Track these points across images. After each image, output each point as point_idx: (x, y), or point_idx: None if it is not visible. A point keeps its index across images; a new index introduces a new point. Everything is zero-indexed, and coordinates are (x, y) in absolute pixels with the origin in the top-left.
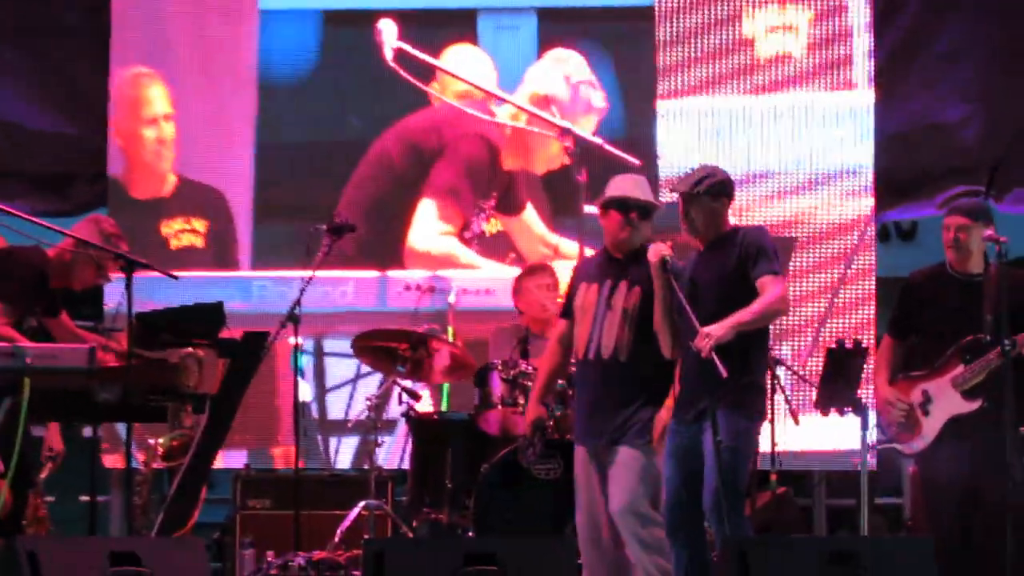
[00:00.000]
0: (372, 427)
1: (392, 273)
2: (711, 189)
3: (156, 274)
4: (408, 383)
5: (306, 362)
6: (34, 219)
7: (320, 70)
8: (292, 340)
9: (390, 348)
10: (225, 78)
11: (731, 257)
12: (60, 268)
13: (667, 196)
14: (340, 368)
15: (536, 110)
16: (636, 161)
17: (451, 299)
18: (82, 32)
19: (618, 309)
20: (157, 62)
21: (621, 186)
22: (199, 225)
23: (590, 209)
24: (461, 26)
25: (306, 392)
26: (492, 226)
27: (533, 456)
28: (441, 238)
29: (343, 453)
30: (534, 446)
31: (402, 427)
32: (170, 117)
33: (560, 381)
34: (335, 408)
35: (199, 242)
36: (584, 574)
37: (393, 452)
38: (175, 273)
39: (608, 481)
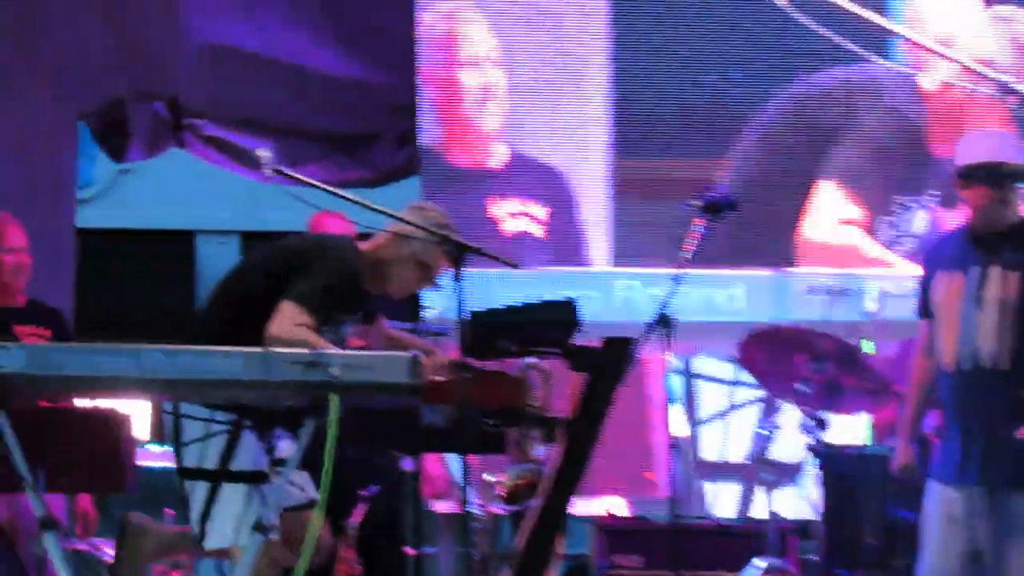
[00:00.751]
0: (766, 465)
1: (795, 271)
2: None
3: (485, 268)
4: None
5: (678, 383)
6: (341, 193)
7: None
8: (663, 354)
9: (785, 364)
10: (568, 17)
11: None
12: (376, 267)
13: None
14: (716, 394)
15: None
16: None
17: (871, 306)
18: None
19: (993, 302)
20: None
21: (987, 148)
22: (538, 211)
23: None
24: None
25: (679, 421)
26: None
27: None
28: (841, 228)
29: (723, 499)
30: None
31: (807, 465)
32: (496, 62)
33: None
34: (710, 442)
35: (538, 231)
36: None
37: (795, 497)
38: (515, 263)
39: (1011, 546)
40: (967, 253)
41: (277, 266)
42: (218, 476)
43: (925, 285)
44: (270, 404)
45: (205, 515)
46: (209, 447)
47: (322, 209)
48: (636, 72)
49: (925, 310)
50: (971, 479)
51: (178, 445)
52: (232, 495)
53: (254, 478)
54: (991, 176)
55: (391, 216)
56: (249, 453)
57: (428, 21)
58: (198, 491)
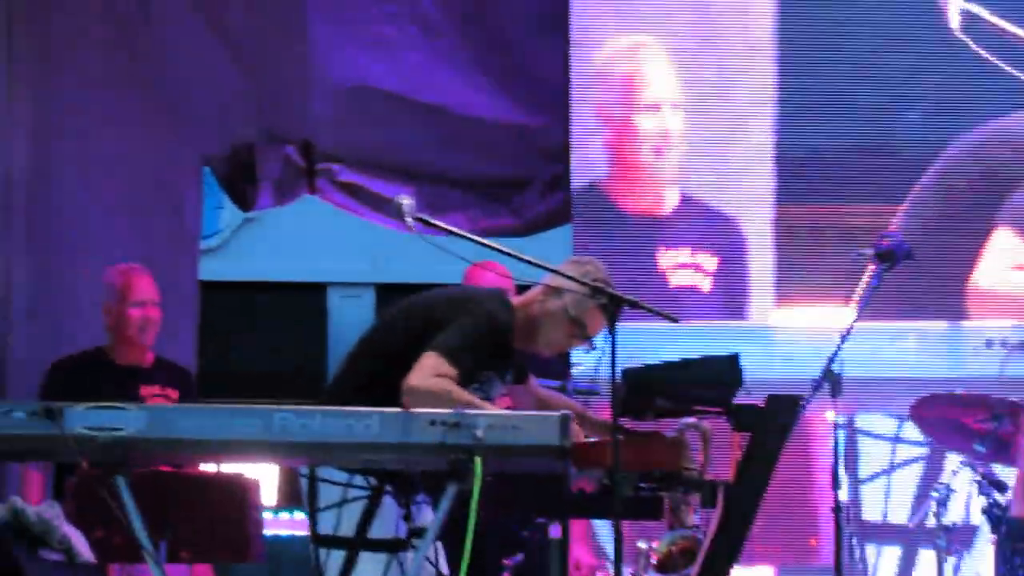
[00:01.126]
0: (938, 529)
1: (968, 323)
2: None
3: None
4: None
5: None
6: (488, 243)
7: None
8: (830, 415)
9: (960, 422)
10: (733, 55)
11: None
12: (526, 324)
13: None
14: (879, 451)
15: None
16: None
17: None
18: None
19: None
20: (650, 27)
21: None
22: (706, 262)
23: None
24: None
25: (843, 482)
26: None
27: None
28: (1015, 274)
29: (886, 563)
30: None
31: (983, 531)
32: (678, 105)
33: None
34: (872, 503)
35: (705, 284)
36: None
37: (968, 567)
38: (675, 317)
39: None
40: None
41: (418, 319)
42: (355, 544)
43: None
44: (410, 468)
45: None
46: (345, 513)
47: (469, 261)
48: (802, 114)
49: None
50: None
51: (313, 511)
52: (369, 565)
53: (393, 546)
54: None
55: (542, 268)
56: (389, 520)
57: (603, 58)
58: (333, 560)
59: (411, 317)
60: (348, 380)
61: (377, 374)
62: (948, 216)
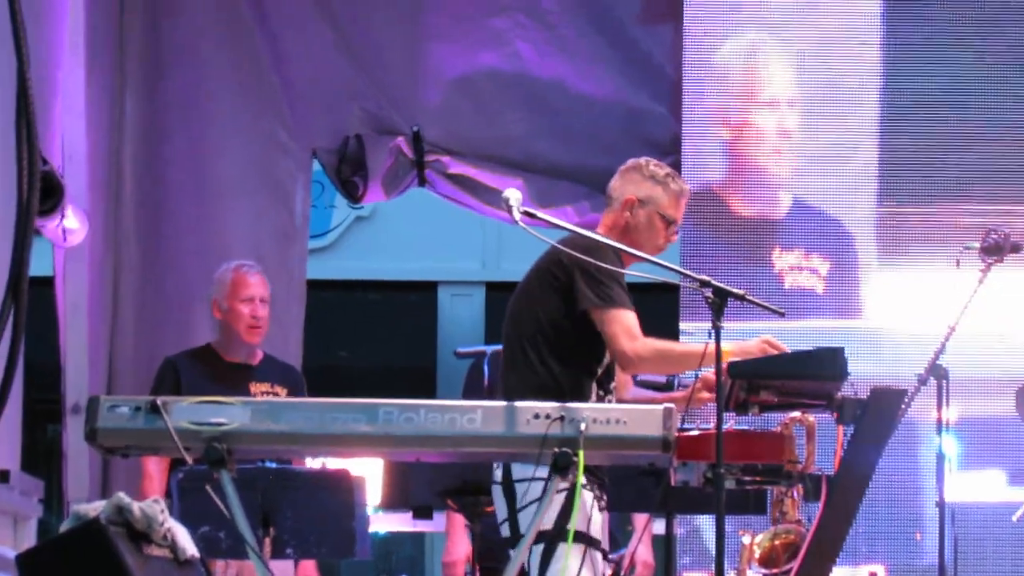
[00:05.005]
0: None
1: None
2: None
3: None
4: None
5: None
6: (597, 237)
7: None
8: (939, 413)
9: None
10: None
11: None
12: (628, 242)
13: None
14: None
15: None
16: None
17: None
18: None
19: None
20: (744, 23)
21: None
22: (820, 265)
23: None
24: None
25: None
26: None
27: None
28: None
29: (1003, 558)
30: None
31: None
32: (795, 103)
33: None
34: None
35: (818, 286)
36: None
37: None
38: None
39: None
40: None
41: (543, 291)
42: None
43: None
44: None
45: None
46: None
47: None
48: (905, 115)
49: None
50: None
51: (512, 510)
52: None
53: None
54: None
55: (649, 261)
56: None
57: (719, 54)
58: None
59: (533, 290)
60: (512, 375)
61: (538, 355)
62: None
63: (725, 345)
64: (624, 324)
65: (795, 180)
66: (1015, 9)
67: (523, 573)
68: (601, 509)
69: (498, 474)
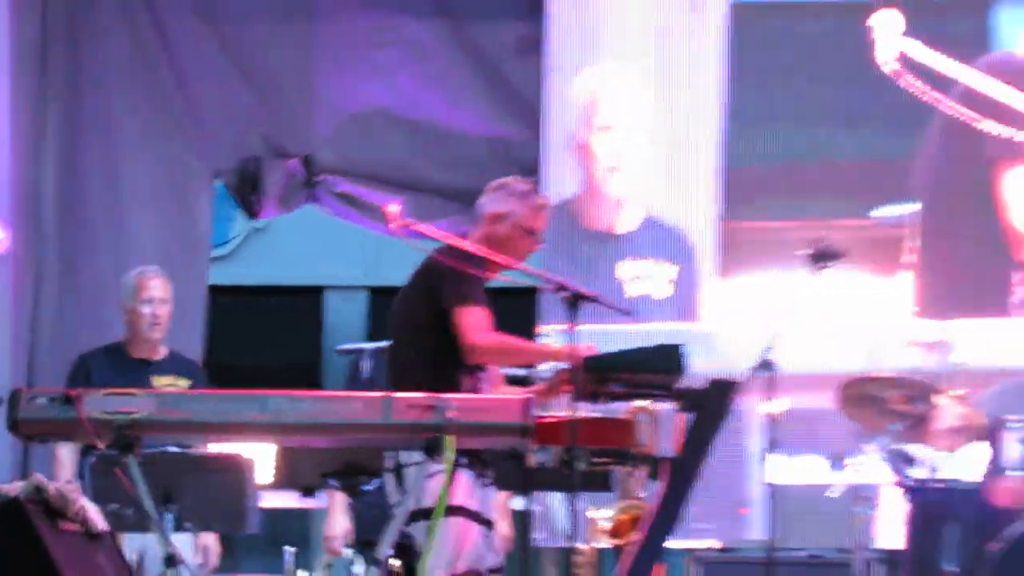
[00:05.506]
0: (856, 499)
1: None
2: None
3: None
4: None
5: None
6: (468, 247)
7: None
8: (763, 401)
9: (881, 400)
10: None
11: None
12: (491, 252)
13: None
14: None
15: None
16: None
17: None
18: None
19: None
20: (601, 53)
21: None
22: (666, 272)
23: None
24: None
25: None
26: None
27: None
28: None
29: (821, 531)
30: None
31: (893, 499)
32: (630, 128)
33: None
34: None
35: (663, 292)
36: None
37: (884, 528)
38: (629, 310)
39: None
40: None
41: (417, 294)
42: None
43: None
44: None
45: None
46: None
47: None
48: (746, 132)
49: None
50: None
51: (403, 492)
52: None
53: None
54: None
55: (513, 268)
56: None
57: (576, 83)
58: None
59: (409, 300)
60: (398, 368)
61: (417, 353)
62: None
63: (559, 346)
64: (473, 319)
65: (643, 196)
66: (848, 36)
67: (410, 547)
68: (485, 485)
69: (390, 463)
